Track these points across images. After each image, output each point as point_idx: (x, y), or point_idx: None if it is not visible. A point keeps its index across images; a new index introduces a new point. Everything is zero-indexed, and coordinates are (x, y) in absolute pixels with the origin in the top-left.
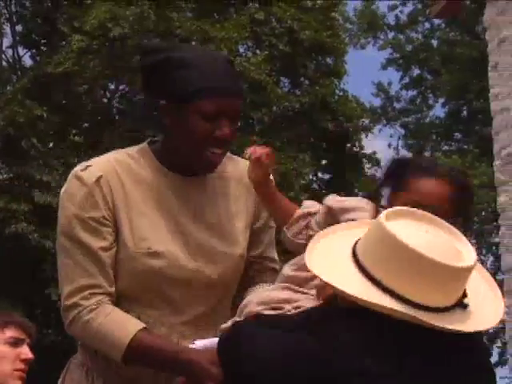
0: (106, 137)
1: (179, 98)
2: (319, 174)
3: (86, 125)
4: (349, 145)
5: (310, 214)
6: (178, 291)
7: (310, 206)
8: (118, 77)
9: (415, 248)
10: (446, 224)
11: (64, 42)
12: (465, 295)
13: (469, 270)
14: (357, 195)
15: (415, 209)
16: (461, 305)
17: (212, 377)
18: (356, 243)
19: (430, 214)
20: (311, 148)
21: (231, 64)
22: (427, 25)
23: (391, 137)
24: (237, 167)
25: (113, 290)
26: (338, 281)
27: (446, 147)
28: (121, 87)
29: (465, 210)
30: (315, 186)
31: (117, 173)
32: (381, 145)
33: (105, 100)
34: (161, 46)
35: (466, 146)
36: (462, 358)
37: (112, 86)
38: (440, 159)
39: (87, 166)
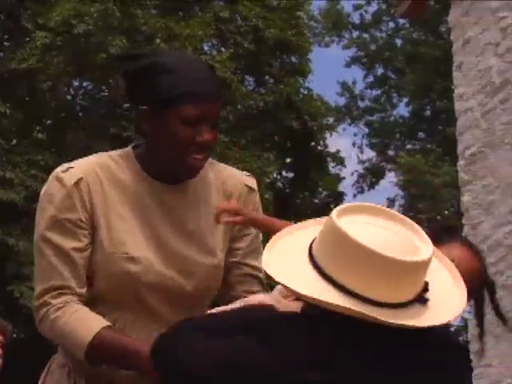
0: (70, 134)
1: (160, 103)
2: (283, 173)
3: (49, 122)
4: (313, 143)
5: None
6: (155, 297)
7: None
8: (82, 74)
9: (362, 242)
10: (408, 220)
11: (28, 39)
12: (426, 289)
13: (423, 264)
14: (321, 193)
15: (374, 204)
16: (420, 300)
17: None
18: (313, 242)
19: (390, 210)
20: (276, 146)
21: (212, 69)
22: (391, 24)
23: (355, 135)
24: (218, 174)
25: (83, 291)
26: (290, 279)
27: (409, 146)
28: (85, 84)
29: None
30: (279, 184)
31: (98, 176)
32: (345, 143)
33: (68, 97)
34: (143, 52)
35: (429, 146)
36: (415, 353)
37: (76, 83)
38: (403, 158)
39: (68, 167)
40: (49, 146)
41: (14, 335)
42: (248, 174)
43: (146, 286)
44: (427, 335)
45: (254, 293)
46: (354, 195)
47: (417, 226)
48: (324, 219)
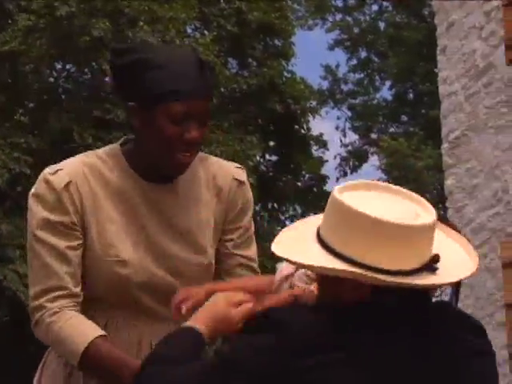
0: (52, 117)
1: (148, 100)
2: (267, 156)
3: (31, 104)
4: (296, 127)
5: (288, 276)
6: (148, 296)
7: (284, 268)
8: (65, 56)
9: (364, 211)
10: (410, 193)
11: (10, 21)
12: (436, 260)
13: (427, 229)
14: (304, 177)
15: (370, 181)
16: (429, 268)
17: None
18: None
19: (391, 185)
20: (259, 130)
21: (203, 64)
22: (375, 7)
23: (338, 119)
24: (208, 168)
25: (78, 289)
26: (294, 254)
27: (392, 129)
28: (68, 67)
29: None
30: (263, 167)
31: (86, 177)
32: (328, 127)
33: (51, 80)
34: (131, 47)
35: (412, 129)
36: (440, 336)
37: (59, 66)
38: (386, 141)
39: (57, 169)
40: (31, 128)
41: None
42: (238, 166)
43: (137, 286)
44: (445, 316)
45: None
46: (337, 178)
47: (417, 196)
48: None
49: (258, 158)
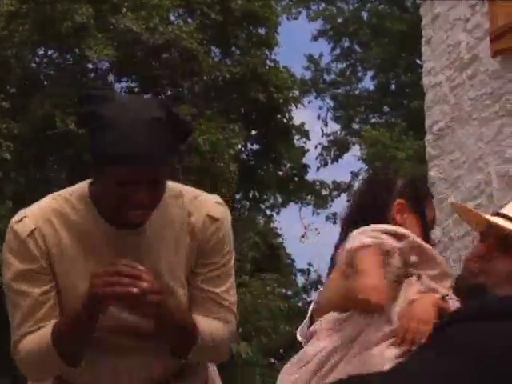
0: (34, 102)
1: (97, 158)
2: (249, 145)
3: (13, 90)
4: (279, 116)
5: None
6: (117, 336)
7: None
8: (47, 42)
9: None
10: None
11: None
12: None
13: None
14: (285, 166)
15: None
16: None
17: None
18: None
19: None
20: (241, 118)
21: (159, 123)
22: None
23: (320, 109)
24: (183, 206)
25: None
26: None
27: (374, 120)
28: (50, 52)
29: None
30: (244, 156)
31: (52, 223)
32: (310, 116)
33: (33, 65)
34: (91, 96)
35: (393, 120)
36: None
37: (41, 51)
38: (368, 132)
39: (23, 217)
40: (13, 114)
41: None
42: (218, 201)
43: (104, 328)
44: None
45: (212, 313)
46: (318, 168)
47: None
48: None
49: (239, 146)
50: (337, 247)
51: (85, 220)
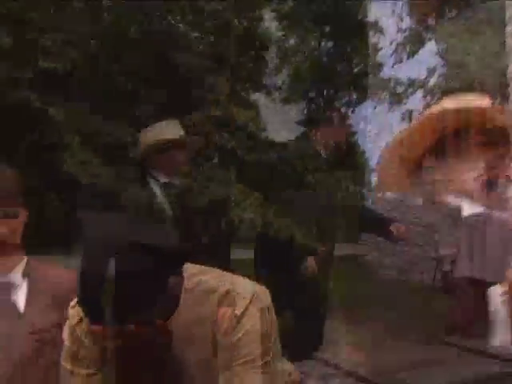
0: None
1: None
2: (322, 43)
3: None
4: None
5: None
6: None
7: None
8: None
9: None
10: None
11: None
12: None
13: None
14: (359, 63)
15: None
16: None
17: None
18: None
19: None
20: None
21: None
22: None
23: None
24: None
25: None
26: None
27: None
28: None
29: None
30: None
31: None
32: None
33: None
34: None
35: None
36: None
37: None
38: (444, 26)
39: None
40: None
41: None
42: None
43: None
44: None
45: None
46: (393, 65)
47: None
48: None
49: (312, 43)
50: None
51: None
